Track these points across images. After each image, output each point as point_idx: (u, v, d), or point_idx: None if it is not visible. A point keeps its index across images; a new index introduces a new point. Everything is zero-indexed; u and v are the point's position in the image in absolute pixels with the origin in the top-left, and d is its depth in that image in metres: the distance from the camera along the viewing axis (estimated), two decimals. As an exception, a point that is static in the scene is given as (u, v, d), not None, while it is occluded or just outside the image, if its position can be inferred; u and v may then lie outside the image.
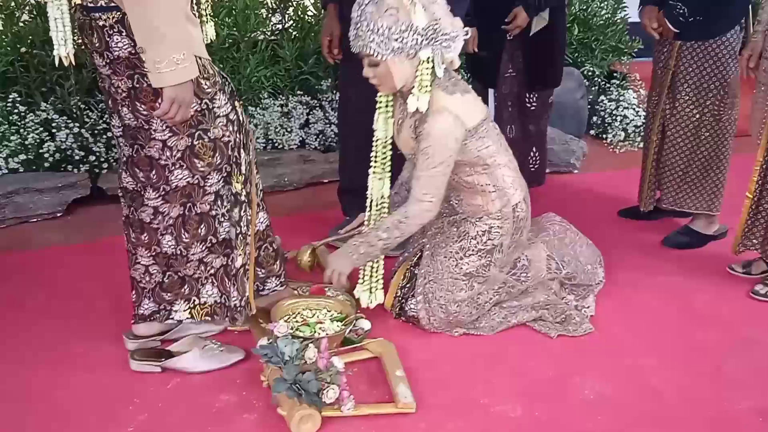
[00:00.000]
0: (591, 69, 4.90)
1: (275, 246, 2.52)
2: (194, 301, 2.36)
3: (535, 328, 2.60)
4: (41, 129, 3.61)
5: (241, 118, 2.24)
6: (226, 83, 2.20)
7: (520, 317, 2.61)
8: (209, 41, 2.26)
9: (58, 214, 3.53)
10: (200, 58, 2.06)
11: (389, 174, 2.53)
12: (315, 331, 2.41)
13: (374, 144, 2.52)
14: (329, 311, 2.55)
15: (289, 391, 2.02)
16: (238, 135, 2.23)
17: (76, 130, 3.65)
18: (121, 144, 2.23)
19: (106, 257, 3.06)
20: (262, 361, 2.16)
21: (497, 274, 2.55)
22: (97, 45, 2.04)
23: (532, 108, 3.43)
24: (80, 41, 2.12)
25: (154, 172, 2.20)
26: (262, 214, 2.43)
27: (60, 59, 2.11)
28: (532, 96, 3.43)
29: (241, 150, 2.25)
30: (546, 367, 2.39)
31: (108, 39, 2.01)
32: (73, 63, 2.13)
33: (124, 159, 2.25)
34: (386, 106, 2.48)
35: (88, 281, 2.90)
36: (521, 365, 2.40)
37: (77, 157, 3.62)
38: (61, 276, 2.95)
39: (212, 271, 2.33)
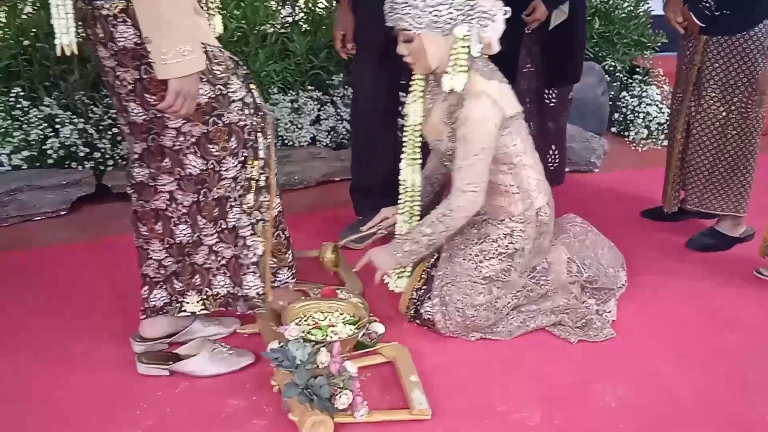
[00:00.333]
0: (612, 64, 4.90)
1: (287, 234, 2.53)
2: (206, 292, 2.38)
3: (554, 332, 2.60)
4: (45, 125, 3.64)
5: (257, 101, 2.25)
6: (239, 66, 2.22)
7: (539, 321, 2.61)
8: (217, 35, 2.27)
9: (62, 212, 3.55)
10: (209, 46, 2.08)
11: (420, 161, 2.56)
12: (327, 335, 2.42)
13: (405, 130, 2.54)
14: (342, 314, 2.56)
15: (300, 396, 2.04)
16: (254, 118, 2.24)
17: (80, 125, 3.68)
18: (132, 141, 2.24)
19: (110, 256, 3.09)
20: (272, 365, 2.18)
21: (517, 279, 2.56)
22: (101, 36, 2.04)
23: (551, 104, 3.42)
24: (83, 32, 2.12)
25: (168, 159, 2.20)
26: (277, 199, 2.44)
27: (62, 49, 2.08)
28: (551, 92, 3.43)
29: (258, 134, 2.26)
30: (565, 373, 2.40)
31: (112, 29, 2.01)
32: (76, 53, 2.10)
33: (136, 156, 2.25)
34: (420, 90, 2.50)
35: (93, 281, 2.92)
36: (540, 371, 2.41)
37: (82, 154, 3.65)
38: (64, 275, 2.97)
39: (223, 262, 2.35)
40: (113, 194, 3.62)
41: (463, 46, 2.32)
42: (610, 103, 4.86)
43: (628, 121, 4.83)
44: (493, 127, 2.34)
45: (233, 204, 2.28)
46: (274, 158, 2.37)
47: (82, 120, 3.70)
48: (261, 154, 2.28)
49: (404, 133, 2.55)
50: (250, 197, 2.30)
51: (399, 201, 2.63)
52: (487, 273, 2.52)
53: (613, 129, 4.90)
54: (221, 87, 2.13)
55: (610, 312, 2.71)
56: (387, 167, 3.28)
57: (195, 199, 2.25)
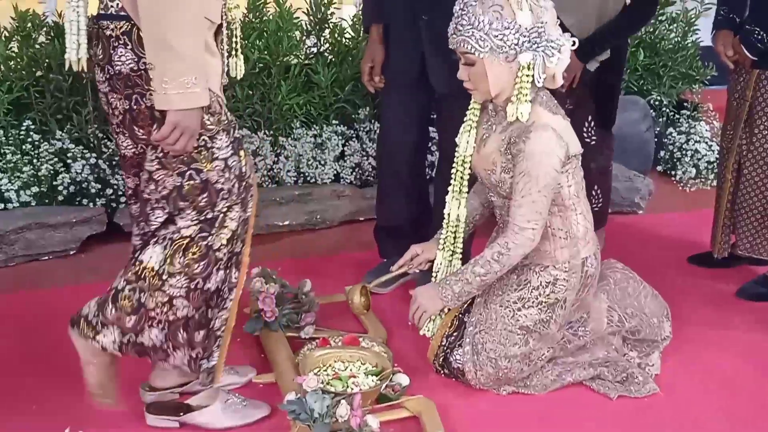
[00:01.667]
0: (658, 98, 4.91)
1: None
2: (131, 337, 2.24)
3: (592, 387, 2.59)
4: (55, 159, 3.71)
5: (243, 170, 2.20)
6: (233, 127, 2.18)
7: (576, 375, 2.60)
8: (238, 77, 2.31)
9: (71, 252, 3.61)
10: (211, 92, 2.08)
11: (466, 194, 2.59)
12: (348, 386, 2.42)
13: (455, 160, 2.57)
14: (363, 364, 2.57)
15: (318, 452, 2.04)
16: (235, 187, 2.18)
17: (92, 160, 3.75)
18: (125, 176, 2.27)
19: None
20: (289, 417, 2.19)
21: (555, 332, 2.55)
22: (100, 57, 2.07)
23: (592, 143, 3.43)
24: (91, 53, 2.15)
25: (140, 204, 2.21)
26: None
27: (71, 65, 2.14)
28: (590, 129, 3.43)
29: (236, 206, 2.20)
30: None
31: (112, 51, 2.03)
32: (85, 69, 2.15)
33: (130, 191, 2.28)
34: (475, 119, 2.53)
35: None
36: (576, 429, 2.40)
37: (93, 190, 3.71)
38: (72, 319, 3.00)
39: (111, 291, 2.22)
40: (125, 233, 3.64)
41: (528, 75, 2.35)
42: (656, 139, 4.86)
43: (675, 160, 4.82)
44: (558, 162, 2.35)
45: (159, 241, 2.16)
46: (251, 234, 2.31)
47: (94, 155, 3.77)
48: (232, 225, 2.20)
49: (454, 164, 2.57)
50: (205, 267, 2.18)
51: (440, 237, 2.65)
52: (524, 322, 2.52)
53: (659, 168, 4.89)
54: (207, 139, 2.09)
55: (653, 366, 2.69)
56: (415, 206, 3.32)
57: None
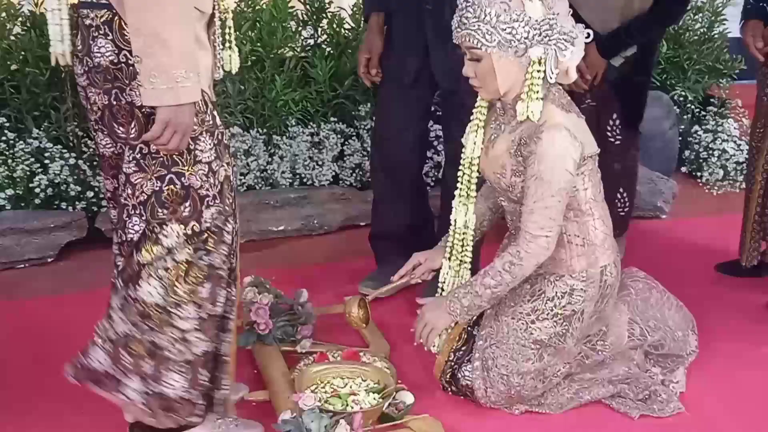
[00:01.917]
0: (683, 93, 4.90)
1: None
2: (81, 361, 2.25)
3: (612, 406, 2.59)
4: (32, 160, 3.72)
5: (231, 177, 2.20)
6: (219, 130, 2.17)
7: (595, 393, 2.60)
8: (233, 71, 2.31)
9: (49, 259, 3.62)
10: (201, 91, 2.07)
11: (474, 199, 2.59)
12: (347, 405, 2.43)
13: (462, 162, 2.57)
14: (364, 380, 2.57)
15: (315, 475, 2.04)
16: (227, 197, 2.18)
17: (72, 161, 3.76)
18: (104, 177, 2.27)
19: (103, 310, 3.11)
20: (284, 438, 2.18)
21: (572, 347, 2.55)
22: (79, 48, 2.08)
23: (617, 142, 3.43)
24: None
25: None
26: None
27: (56, 59, 2.14)
28: (615, 127, 3.43)
29: (230, 218, 2.19)
30: (625, 455, 2.39)
31: (91, 42, 2.03)
32: (70, 63, 2.15)
33: (108, 194, 2.29)
34: (482, 119, 2.53)
35: (82, 338, 2.94)
36: (595, 451, 2.40)
37: (73, 193, 3.72)
38: (50, 332, 3.00)
39: (112, 335, 2.21)
40: (107, 239, 3.64)
41: (539, 70, 2.35)
42: (680, 138, 4.86)
43: (701, 160, 4.82)
44: (572, 164, 2.35)
45: (153, 275, 2.14)
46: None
47: (73, 155, 3.79)
48: (228, 238, 2.19)
49: (460, 167, 2.57)
50: (208, 287, 2.18)
51: (447, 245, 2.66)
52: (538, 336, 2.52)
53: (684, 169, 4.89)
54: (189, 141, 2.08)
55: (677, 383, 2.69)
56: (413, 211, 3.33)
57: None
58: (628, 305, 2.69)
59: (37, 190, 3.69)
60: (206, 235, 2.15)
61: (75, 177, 3.76)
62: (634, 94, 3.44)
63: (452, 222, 2.63)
